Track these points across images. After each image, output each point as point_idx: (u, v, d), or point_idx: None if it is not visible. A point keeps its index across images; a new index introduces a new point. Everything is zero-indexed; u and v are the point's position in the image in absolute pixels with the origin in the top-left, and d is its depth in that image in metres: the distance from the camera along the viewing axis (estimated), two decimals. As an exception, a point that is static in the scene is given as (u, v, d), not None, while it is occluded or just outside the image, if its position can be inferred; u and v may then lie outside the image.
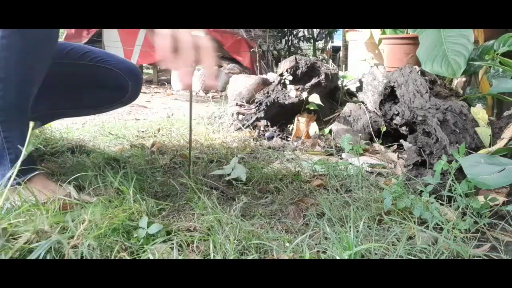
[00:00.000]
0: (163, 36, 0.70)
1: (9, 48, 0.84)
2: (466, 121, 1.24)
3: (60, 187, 0.93)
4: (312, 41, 6.44)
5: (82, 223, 0.76)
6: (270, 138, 1.83)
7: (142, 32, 4.42)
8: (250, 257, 0.73)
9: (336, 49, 6.75)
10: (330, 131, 1.84)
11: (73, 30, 4.25)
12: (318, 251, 0.76)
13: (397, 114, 1.54)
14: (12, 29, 0.82)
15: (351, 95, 2.12)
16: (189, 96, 0.96)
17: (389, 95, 1.65)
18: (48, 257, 0.68)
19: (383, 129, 1.66)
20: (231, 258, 0.72)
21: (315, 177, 1.23)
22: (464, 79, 1.93)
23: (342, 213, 0.93)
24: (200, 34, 0.75)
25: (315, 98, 1.87)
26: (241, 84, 2.20)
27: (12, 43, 0.84)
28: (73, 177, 0.92)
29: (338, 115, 1.94)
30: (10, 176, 0.76)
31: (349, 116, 1.85)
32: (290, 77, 1.93)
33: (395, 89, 1.61)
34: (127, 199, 0.91)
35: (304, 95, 1.91)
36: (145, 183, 1.11)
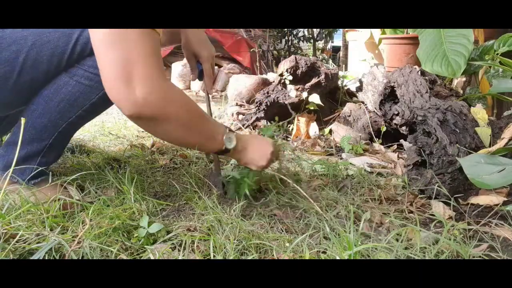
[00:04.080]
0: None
1: None
2: (466, 121, 1.24)
3: (64, 189, 0.93)
4: (312, 41, 6.44)
5: (83, 224, 0.76)
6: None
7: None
8: (250, 257, 0.73)
9: (336, 49, 6.75)
10: (330, 131, 1.84)
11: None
12: (318, 251, 0.76)
13: (397, 114, 1.54)
14: None
15: (351, 95, 2.12)
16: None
17: (389, 95, 1.65)
18: (47, 257, 0.68)
19: (383, 129, 1.66)
20: (231, 258, 0.72)
21: (315, 177, 1.23)
22: (464, 79, 1.93)
23: (342, 213, 0.93)
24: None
25: (315, 98, 1.87)
26: (241, 84, 2.20)
27: None
28: (73, 177, 0.92)
29: (338, 115, 1.94)
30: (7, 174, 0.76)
31: (349, 116, 1.85)
32: (290, 77, 1.93)
33: (395, 89, 1.61)
34: (127, 199, 0.91)
35: (304, 95, 1.91)
36: (145, 183, 1.11)
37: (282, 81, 1.98)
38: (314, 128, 1.89)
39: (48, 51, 0.81)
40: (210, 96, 1.18)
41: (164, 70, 0.84)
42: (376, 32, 2.64)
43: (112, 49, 0.72)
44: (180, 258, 0.72)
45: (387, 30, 2.26)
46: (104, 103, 0.93)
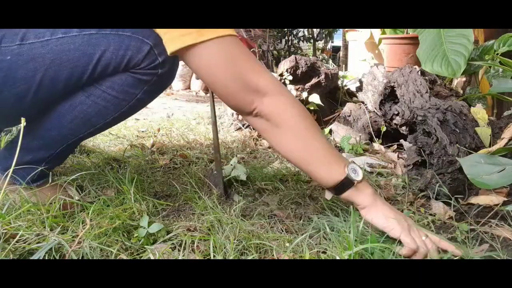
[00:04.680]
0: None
1: None
2: (466, 121, 1.24)
3: (63, 189, 0.93)
4: (312, 41, 6.44)
5: (83, 224, 0.76)
6: (270, 138, 1.83)
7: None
8: (250, 257, 0.73)
9: (336, 49, 6.75)
10: (330, 131, 1.84)
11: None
12: (318, 251, 0.76)
13: (397, 114, 1.54)
14: None
15: (351, 95, 2.12)
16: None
17: (389, 95, 1.65)
18: (47, 257, 0.68)
19: (383, 129, 1.66)
20: (231, 258, 0.72)
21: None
22: (464, 79, 1.93)
23: (342, 213, 0.93)
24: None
25: (315, 98, 1.87)
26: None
27: None
28: (73, 177, 0.92)
29: (338, 115, 1.94)
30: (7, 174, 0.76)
31: (349, 116, 1.85)
32: (290, 77, 1.93)
33: (395, 89, 1.61)
34: (127, 199, 0.91)
35: (304, 95, 1.91)
36: (145, 183, 1.11)
37: (282, 81, 1.98)
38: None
39: (67, 71, 0.79)
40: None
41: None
42: (376, 32, 2.65)
43: (224, 68, 0.75)
44: (180, 258, 0.72)
45: (387, 30, 2.26)
46: (116, 122, 0.93)
